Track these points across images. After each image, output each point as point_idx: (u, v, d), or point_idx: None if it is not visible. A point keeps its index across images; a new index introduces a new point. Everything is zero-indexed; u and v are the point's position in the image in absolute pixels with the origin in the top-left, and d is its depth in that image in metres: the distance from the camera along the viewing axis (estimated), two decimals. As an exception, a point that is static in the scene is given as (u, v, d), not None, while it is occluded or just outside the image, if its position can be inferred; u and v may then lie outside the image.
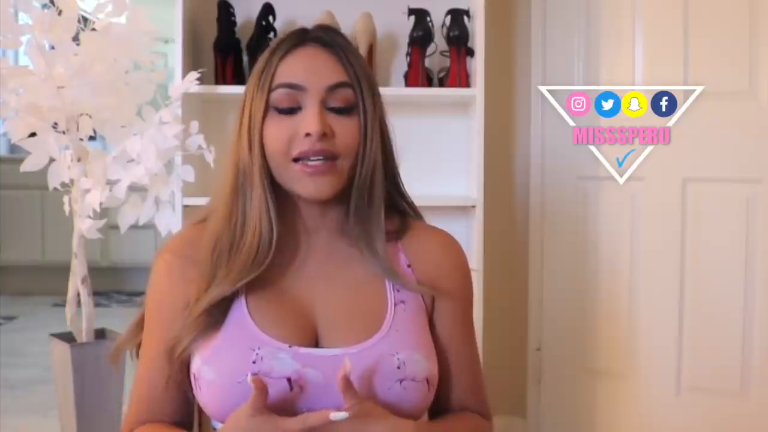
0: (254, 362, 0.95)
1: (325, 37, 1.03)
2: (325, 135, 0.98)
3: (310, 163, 0.98)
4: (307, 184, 0.99)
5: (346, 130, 1.00)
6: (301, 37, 1.04)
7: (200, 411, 1.06)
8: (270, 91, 1.01)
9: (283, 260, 1.04)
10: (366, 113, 1.02)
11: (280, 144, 0.99)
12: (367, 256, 1.04)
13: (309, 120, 0.98)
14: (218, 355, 0.97)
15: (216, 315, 0.99)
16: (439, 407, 1.09)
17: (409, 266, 1.07)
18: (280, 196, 1.03)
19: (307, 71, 1.00)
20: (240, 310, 1.00)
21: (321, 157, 0.98)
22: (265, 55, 1.04)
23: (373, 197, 1.04)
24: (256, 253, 1.00)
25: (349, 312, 1.02)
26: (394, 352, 0.98)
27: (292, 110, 1.00)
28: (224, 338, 0.98)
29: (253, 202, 1.02)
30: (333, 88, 1.00)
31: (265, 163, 1.01)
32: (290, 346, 0.97)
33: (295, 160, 0.99)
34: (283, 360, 0.96)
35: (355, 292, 1.04)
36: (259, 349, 0.96)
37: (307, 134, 0.98)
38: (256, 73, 1.03)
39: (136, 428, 1.04)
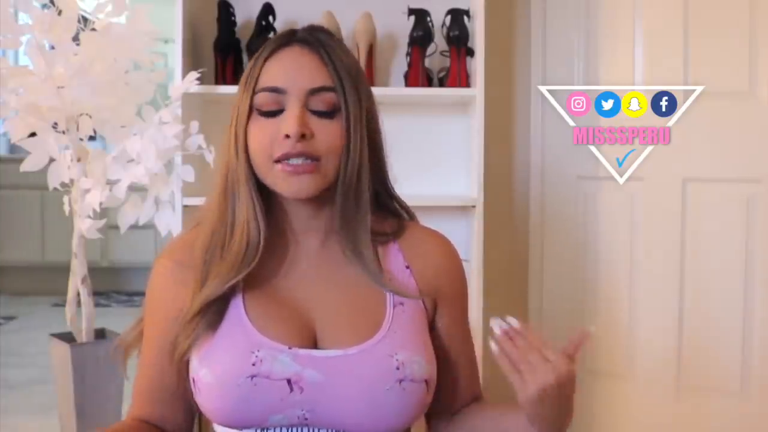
0: (254, 364, 0.96)
1: (309, 37, 1.03)
2: (304, 136, 0.98)
3: (290, 162, 0.98)
4: (288, 183, 0.99)
5: (327, 132, 0.99)
6: (287, 39, 1.03)
7: (200, 413, 1.06)
8: (254, 93, 1.01)
9: (279, 263, 1.04)
10: (349, 116, 1.01)
11: (262, 146, 0.99)
12: (353, 261, 1.04)
13: (288, 122, 0.98)
14: (217, 358, 0.97)
15: (210, 316, 0.99)
16: (441, 408, 1.10)
17: (407, 267, 1.07)
18: (268, 197, 1.03)
19: (289, 74, 1.00)
20: (237, 312, 1.00)
21: (302, 158, 0.98)
22: (252, 58, 1.05)
23: (360, 199, 1.03)
24: (244, 253, 1.00)
25: (348, 313, 1.02)
26: (393, 353, 0.98)
27: (274, 113, 1.00)
28: (222, 341, 0.98)
29: (240, 203, 1.02)
30: (314, 91, 1.00)
31: (249, 164, 1.01)
32: (289, 348, 0.98)
33: (277, 161, 0.99)
34: (283, 361, 0.96)
35: (354, 293, 1.04)
36: (258, 351, 0.96)
37: (287, 136, 0.98)
38: (244, 74, 1.04)
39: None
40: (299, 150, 0.98)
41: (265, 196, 1.03)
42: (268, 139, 0.99)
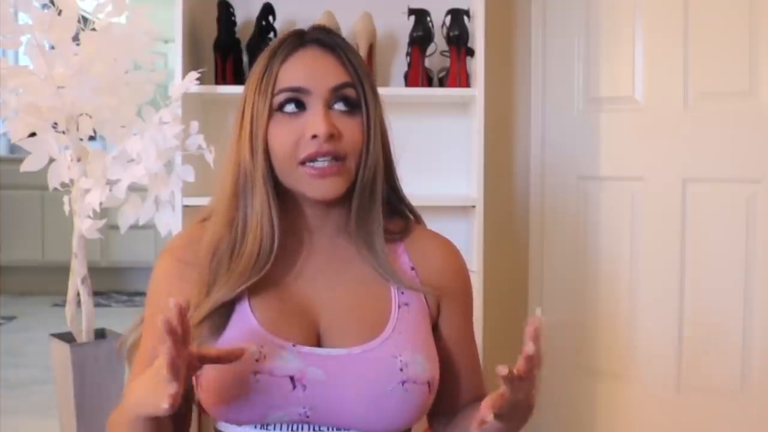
0: (257, 360, 0.96)
1: (323, 38, 1.04)
2: (332, 136, 0.99)
3: (316, 165, 0.99)
4: (315, 186, 1.00)
5: (351, 129, 1.01)
6: (299, 40, 1.04)
7: (200, 411, 1.06)
8: (273, 95, 1.01)
9: (286, 260, 1.04)
10: (369, 112, 1.03)
11: (287, 147, 1.00)
12: (367, 256, 1.05)
13: (315, 122, 0.98)
14: None
15: (218, 320, 0.99)
16: (443, 408, 1.10)
17: (412, 268, 1.08)
18: (282, 195, 1.03)
19: (310, 73, 1.01)
20: (243, 309, 1.00)
21: (328, 158, 0.99)
22: (264, 58, 1.04)
23: (375, 196, 1.05)
24: (256, 258, 1.00)
25: (353, 313, 1.02)
26: (397, 354, 0.99)
27: (296, 113, 1.00)
28: (227, 337, 0.98)
29: (254, 206, 1.02)
30: (337, 89, 1.01)
31: (268, 166, 1.01)
32: (293, 345, 0.98)
33: (302, 162, 0.99)
34: (286, 358, 0.96)
35: (360, 293, 1.04)
36: (262, 347, 0.97)
37: (314, 136, 0.98)
38: (256, 76, 1.03)
39: None
40: (326, 150, 0.98)
41: (280, 194, 1.03)
42: (293, 139, 0.99)
